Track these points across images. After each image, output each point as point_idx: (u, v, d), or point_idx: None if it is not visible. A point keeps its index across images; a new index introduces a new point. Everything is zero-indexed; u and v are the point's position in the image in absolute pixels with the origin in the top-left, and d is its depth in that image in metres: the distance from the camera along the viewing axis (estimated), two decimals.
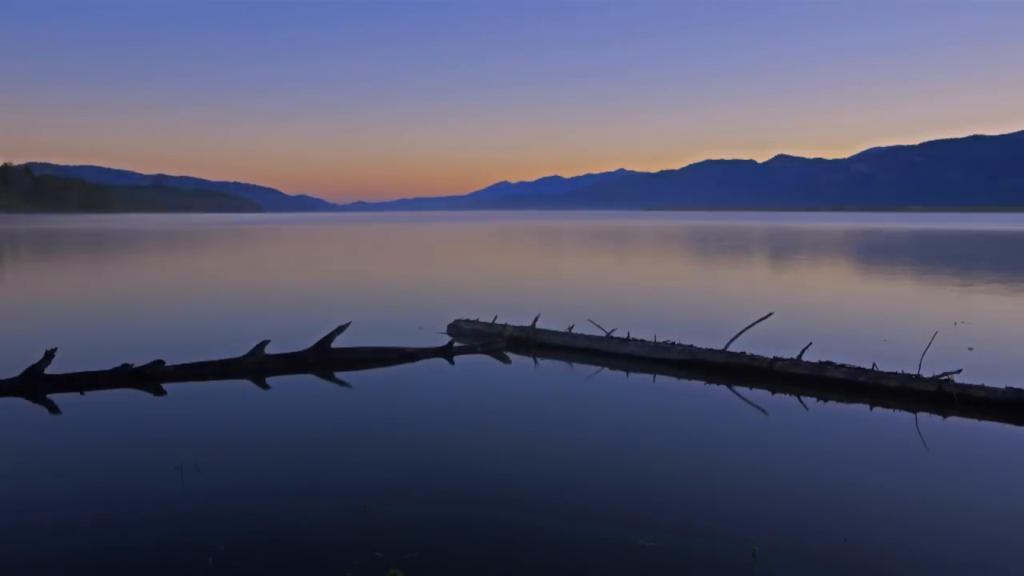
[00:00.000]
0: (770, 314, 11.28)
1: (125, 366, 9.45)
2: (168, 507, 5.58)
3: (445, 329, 13.59)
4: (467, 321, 13.47)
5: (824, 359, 9.68)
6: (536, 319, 12.57)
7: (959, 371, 8.86)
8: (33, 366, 9.05)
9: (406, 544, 4.95)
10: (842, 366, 9.42)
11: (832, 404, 8.67)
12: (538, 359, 11.35)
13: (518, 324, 12.69)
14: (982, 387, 8.42)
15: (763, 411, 8.46)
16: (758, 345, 10.70)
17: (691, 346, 10.78)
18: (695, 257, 38.04)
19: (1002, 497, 5.87)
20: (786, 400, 8.89)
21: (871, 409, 8.42)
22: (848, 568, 4.67)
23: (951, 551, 4.94)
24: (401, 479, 6.16)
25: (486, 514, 5.48)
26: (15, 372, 9.13)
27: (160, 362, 9.50)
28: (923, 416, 8.12)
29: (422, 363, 10.86)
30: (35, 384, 8.98)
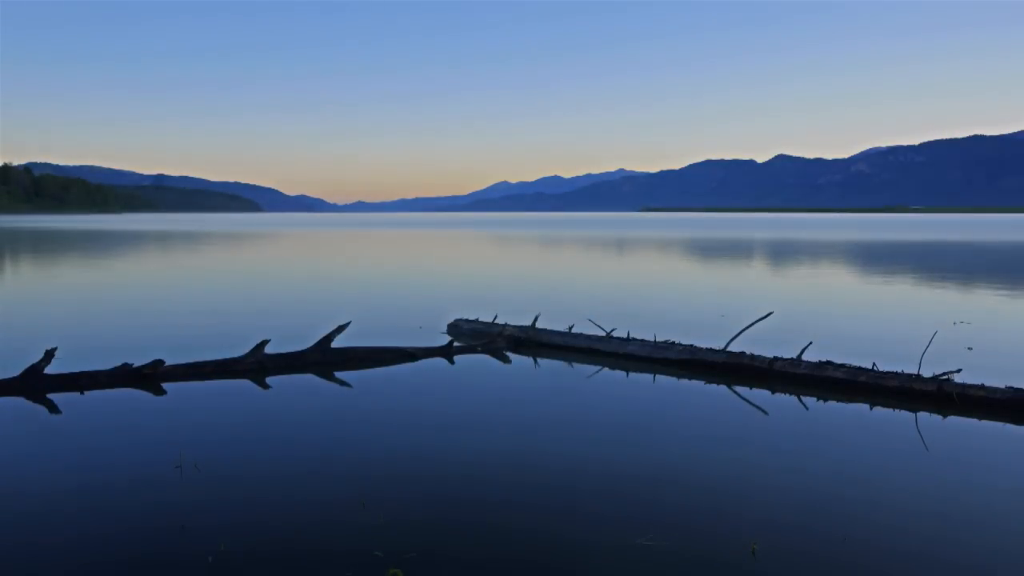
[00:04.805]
0: (770, 314, 11.29)
1: (125, 365, 9.45)
2: (168, 506, 5.57)
3: (445, 329, 13.59)
4: (467, 321, 13.47)
5: (824, 359, 9.68)
6: (536, 319, 12.57)
7: (959, 371, 8.87)
8: (33, 366, 9.05)
9: (406, 544, 4.95)
10: (842, 366, 9.42)
11: (832, 404, 8.66)
12: (538, 359, 11.35)
13: (518, 324, 12.69)
14: (982, 387, 8.42)
15: (763, 411, 8.46)
16: (758, 345, 10.70)
17: (691, 346, 10.78)
18: (695, 257, 38.04)
19: (1002, 497, 5.87)
20: (786, 400, 8.88)
21: (871, 409, 8.41)
22: (848, 568, 4.67)
23: (951, 551, 4.94)
24: (401, 479, 6.16)
25: (486, 514, 5.47)
26: (15, 372, 9.14)
27: (160, 361, 9.50)
28: (923, 416, 8.12)
29: (422, 363, 10.85)
30: (35, 384, 8.98)
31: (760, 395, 9.09)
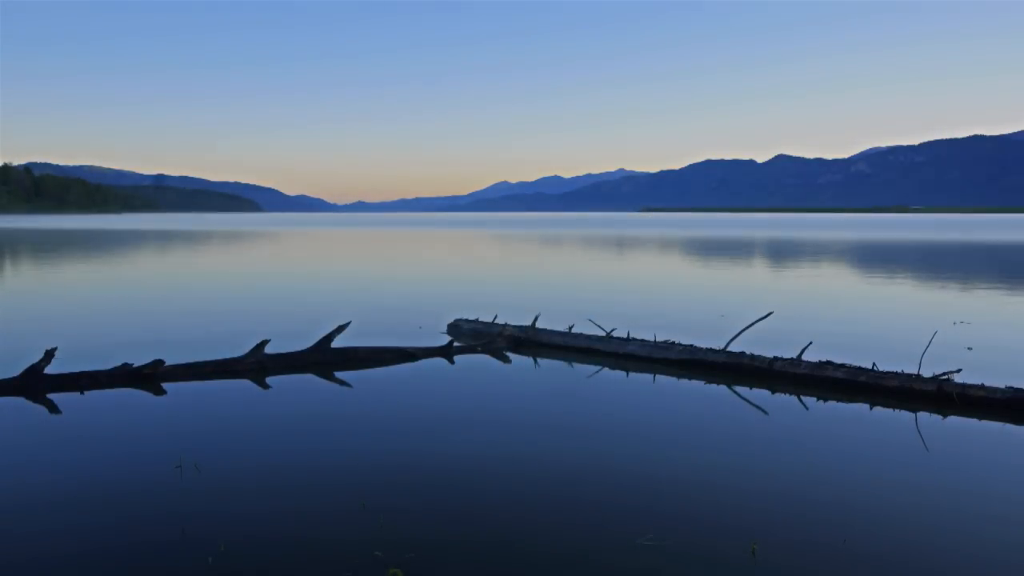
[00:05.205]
0: (770, 313, 11.29)
1: (125, 365, 9.45)
2: (168, 506, 5.57)
3: (445, 329, 13.59)
4: (467, 321, 13.47)
5: (824, 359, 9.68)
6: (536, 319, 12.57)
7: (959, 371, 8.87)
8: (33, 366, 9.05)
9: (406, 544, 4.94)
10: (842, 366, 9.42)
11: (832, 404, 8.66)
12: (538, 359, 11.35)
13: (518, 324, 12.69)
14: (982, 387, 8.42)
15: (763, 411, 8.46)
16: (758, 345, 10.70)
17: (691, 346, 10.78)
18: (695, 257, 38.04)
19: (1002, 497, 5.86)
20: (786, 400, 8.88)
21: (871, 409, 8.41)
22: (848, 568, 4.67)
23: (951, 551, 4.94)
24: (401, 479, 6.16)
25: (485, 513, 5.47)
26: (15, 372, 9.14)
27: (160, 361, 9.50)
28: (923, 416, 8.12)
29: (422, 363, 10.85)
30: (35, 384, 8.97)
31: (760, 395, 9.09)
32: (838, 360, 9.67)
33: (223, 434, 7.47)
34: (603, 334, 11.79)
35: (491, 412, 8.35)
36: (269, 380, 9.75)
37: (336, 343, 10.80)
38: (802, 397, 8.94)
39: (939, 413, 8.20)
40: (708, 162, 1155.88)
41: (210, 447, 6.98)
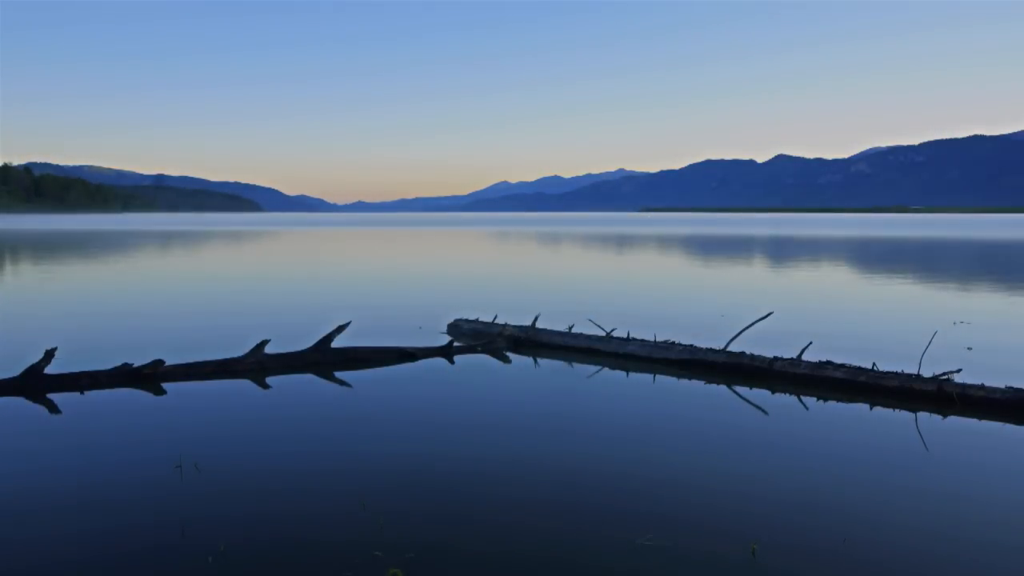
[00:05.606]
0: (770, 313, 11.29)
1: (125, 365, 9.45)
2: (167, 506, 5.57)
3: (445, 329, 13.59)
4: (467, 321, 13.47)
5: (824, 359, 9.68)
6: (536, 319, 12.57)
7: (959, 371, 8.87)
8: (33, 366, 9.05)
9: (406, 544, 4.95)
10: (842, 366, 9.42)
11: (832, 404, 8.66)
12: (538, 359, 11.35)
13: (518, 324, 12.69)
14: (982, 387, 8.42)
15: (763, 411, 8.46)
16: (758, 345, 10.70)
17: (691, 346, 10.78)
18: (695, 257, 38.03)
19: (1002, 497, 5.87)
20: (786, 400, 8.88)
21: (871, 409, 8.41)
22: (848, 568, 4.67)
23: (951, 551, 4.94)
24: (400, 478, 6.16)
25: (486, 513, 5.47)
26: (15, 372, 9.14)
27: (160, 361, 9.50)
28: (923, 416, 8.12)
29: (422, 363, 10.85)
30: (35, 384, 8.98)
31: (760, 395, 9.09)
32: (838, 360, 9.67)
33: (223, 434, 7.47)
34: (603, 334, 11.79)
35: (491, 412, 8.35)
36: (269, 380, 9.75)
37: (336, 343, 10.80)
38: (802, 397, 8.94)
39: (939, 413, 8.20)
40: (708, 162, 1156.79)
41: (210, 447, 6.98)
